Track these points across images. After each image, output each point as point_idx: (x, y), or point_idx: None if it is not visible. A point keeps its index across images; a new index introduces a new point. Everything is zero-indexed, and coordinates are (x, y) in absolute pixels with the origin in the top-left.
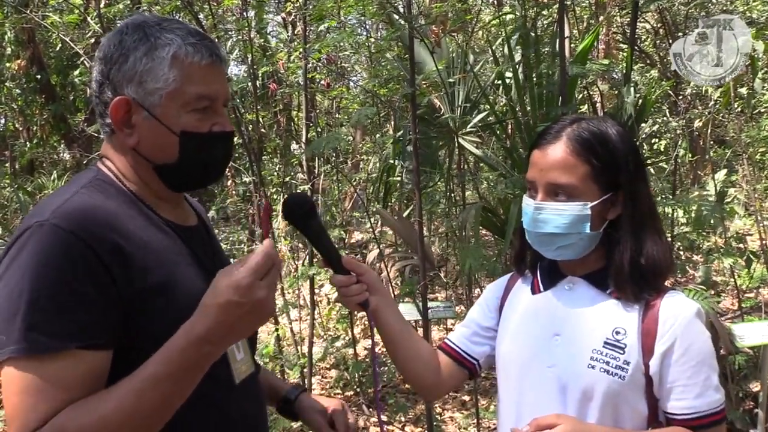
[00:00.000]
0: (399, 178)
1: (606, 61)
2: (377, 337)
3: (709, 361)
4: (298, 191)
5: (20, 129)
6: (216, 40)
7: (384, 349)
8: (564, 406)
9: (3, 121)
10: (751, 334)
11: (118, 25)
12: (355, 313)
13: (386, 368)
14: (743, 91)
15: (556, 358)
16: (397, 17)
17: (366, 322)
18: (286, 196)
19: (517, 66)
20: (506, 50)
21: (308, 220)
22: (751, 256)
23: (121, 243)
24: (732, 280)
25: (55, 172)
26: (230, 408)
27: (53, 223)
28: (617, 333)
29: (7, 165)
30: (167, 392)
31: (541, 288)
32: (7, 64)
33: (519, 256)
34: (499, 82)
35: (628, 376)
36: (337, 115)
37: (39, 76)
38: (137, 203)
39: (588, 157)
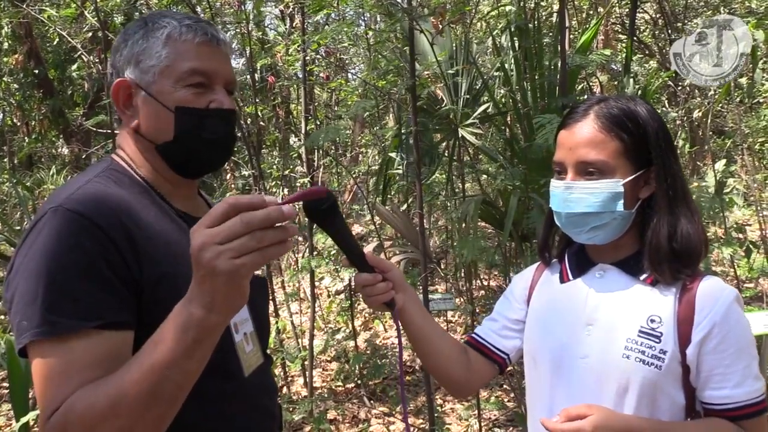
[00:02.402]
0: (398, 171)
1: (607, 52)
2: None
3: (749, 349)
4: (320, 185)
5: (18, 124)
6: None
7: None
8: (599, 398)
9: (1, 115)
10: (751, 324)
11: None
12: (356, 305)
13: (387, 360)
14: (743, 81)
15: (590, 348)
16: (398, 3)
17: (366, 315)
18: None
19: (517, 57)
20: (505, 41)
21: (330, 216)
22: (751, 246)
23: (133, 230)
24: (732, 270)
25: (53, 166)
26: (240, 400)
27: (66, 207)
28: (652, 321)
29: (5, 160)
30: (169, 360)
31: (570, 276)
32: (5, 59)
33: (544, 245)
34: (498, 73)
35: (664, 366)
36: (336, 108)
37: (36, 71)
38: (150, 193)
39: (618, 133)
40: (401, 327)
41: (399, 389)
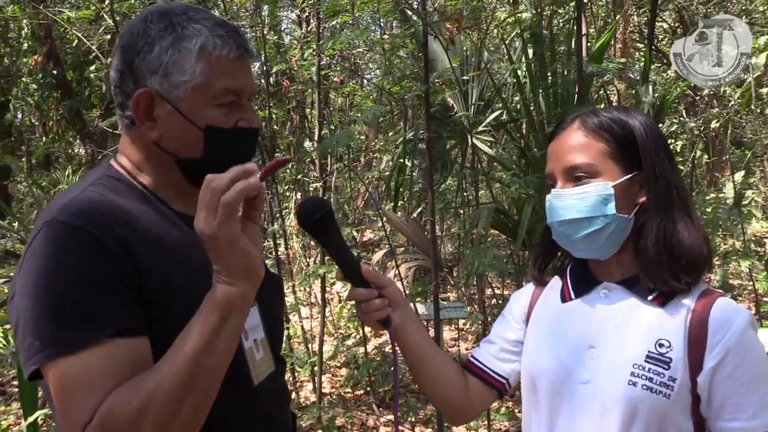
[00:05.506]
0: (409, 177)
1: (623, 60)
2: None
3: (765, 376)
4: (315, 195)
5: (36, 124)
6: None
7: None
8: (602, 426)
9: (19, 116)
10: None
11: (141, 12)
12: None
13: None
14: (763, 91)
15: (592, 373)
16: (410, 14)
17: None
18: (300, 195)
19: (531, 64)
20: (519, 48)
21: (324, 226)
22: None
23: (129, 238)
24: (750, 283)
25: (70, 167)
26: (249, 409)
27: (60, 220)
28: (660, 345)
29: (23, 160)
30: (199, 346)
31: (572, 295)
32: (24, 60)
33: (533, 265)
34: (512, 80)
35: (673, 394)
36: (350, 113)
37: (55, 72)
38: (149, 198)
39: (603, 135)
40: (397, 346)
41: (400, 401)
